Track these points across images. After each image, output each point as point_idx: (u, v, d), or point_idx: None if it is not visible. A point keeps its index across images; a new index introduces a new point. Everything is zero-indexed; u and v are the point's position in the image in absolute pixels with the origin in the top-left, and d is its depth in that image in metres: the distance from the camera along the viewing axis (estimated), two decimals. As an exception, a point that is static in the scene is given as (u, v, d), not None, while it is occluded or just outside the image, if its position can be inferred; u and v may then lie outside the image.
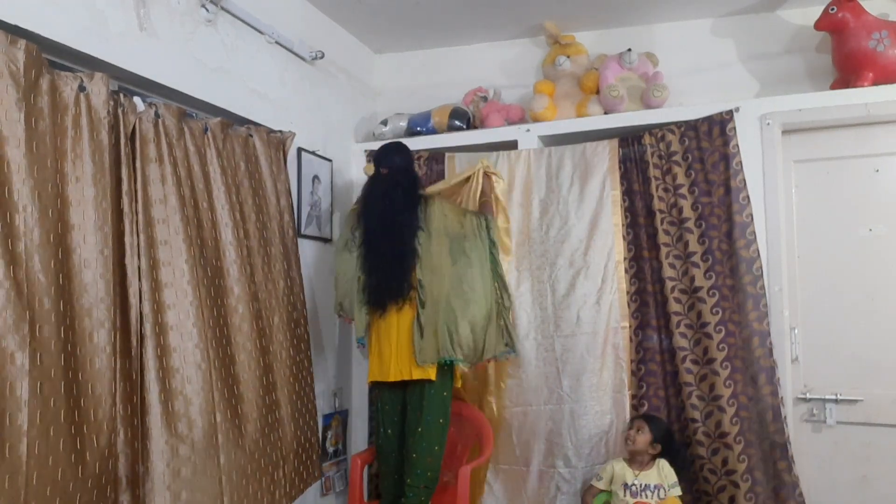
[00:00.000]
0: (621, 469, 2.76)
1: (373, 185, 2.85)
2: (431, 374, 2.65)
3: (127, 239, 2.03)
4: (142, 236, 2.06)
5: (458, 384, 2.89)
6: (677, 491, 2.70)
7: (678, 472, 2.75)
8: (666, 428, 2.82)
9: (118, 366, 1.95)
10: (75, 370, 1.82)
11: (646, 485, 2.71)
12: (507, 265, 3.05)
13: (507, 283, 2.85)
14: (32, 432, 1.66)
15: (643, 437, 2.73)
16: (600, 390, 2.98)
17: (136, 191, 2.07)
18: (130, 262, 2.04)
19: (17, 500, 1.64)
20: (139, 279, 2.05)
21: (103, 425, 1.88)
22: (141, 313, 2.05)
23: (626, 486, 2.73)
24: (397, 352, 2.68)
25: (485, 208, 2.95)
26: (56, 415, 1.73)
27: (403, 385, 2.74)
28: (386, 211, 2.71)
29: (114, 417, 1.92)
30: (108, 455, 1.90)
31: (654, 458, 2.76)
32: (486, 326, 2.70)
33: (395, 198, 2.71)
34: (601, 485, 2.81)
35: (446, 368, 2.71)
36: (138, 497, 2.00)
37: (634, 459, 2.76)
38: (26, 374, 1.66)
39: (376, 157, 2.87)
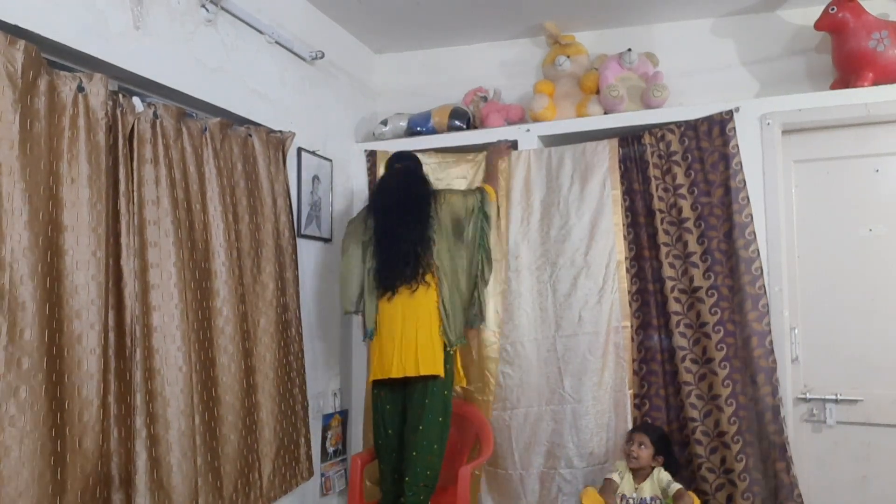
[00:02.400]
0: (628, 478, 2.73)
1: (388, 177, 2.94)
2: (441, 369, 2.66)
3: (123, 240, 2.03)
4: (135, 238, 2.07)
5: (464, 383, 2.90)
6: (676, 486, 2.64)
7: (674, 474, 2.73)
8: (663, 435, 2.80)
9: (113, 367, 1.96)
10: (60, 372, 1.82)
11: (642, 499, 2.69)
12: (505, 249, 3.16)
13: (490, 256, 2.92)
14: (3, 436, 1.66)
15: (646, 452, 2.70)
16: (602, 390, 2.97)
17: (131, 192, 2.07)
18: (126, 264, 2.04)
19: None
20: (134, 280, 2.05)
21: (88, 427, 1.88)
22: (133, 315, 2.06)
23: (623, 497, 2.70)
24: (400, 347, 2.68)
25: (489, 180, 3.08)
26: (35, 418, 1.73)
27: (404, 384, 2.75)
28: (401, 200, 2.79)
29: (101, 419, 1.92)
30: (94, 456, 1.89)
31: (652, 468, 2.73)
32: (469, 298, 2.87)
33: (411, 188, 2.82)
34: (617, 477, 2.73)
35: (448, 367, 2.72)
36: (130, 497, 2.00)
37: (637, 472, 2.74)
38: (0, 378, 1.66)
39: (390, 160, 3.00)
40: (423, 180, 2.90)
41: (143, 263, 2.09)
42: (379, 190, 2.95)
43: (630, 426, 2.92)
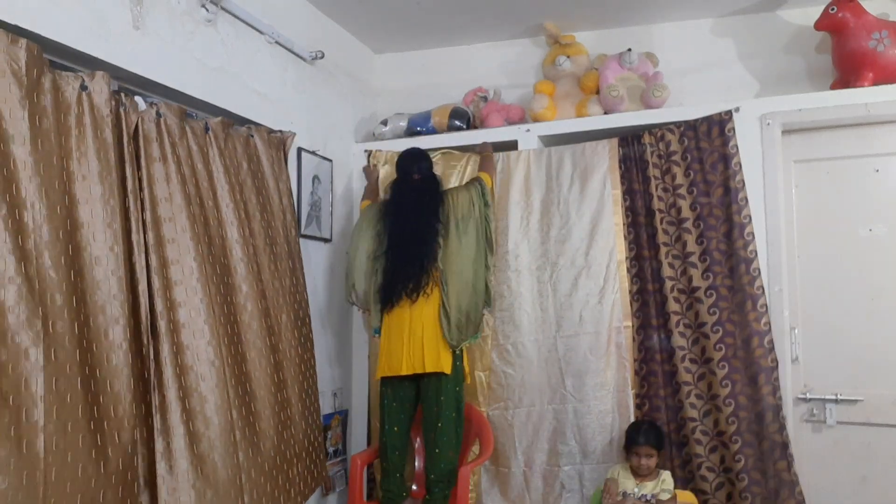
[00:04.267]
0: (626, 477, 2.74)
1: (403, 189, 2.88)
2: (447, 366, 2.67)
3: (133, 237, 2.03)
4: (150, 234, 2.07)
5: (468, 380, 2.90)
6: (666, 496, 2.67)
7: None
8: (661, 434, 2.80)
9: (130, 363, 1.95)
10: (91, 366, 1.82)
11: (643, 494, 2.70)
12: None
13: (493, 244, 2.89)
14: (49, 428, 1.66)
15: (654, 461, 2.71)
16: (604, 389, 2.98)
17: (141, 189, 2.07)
18: (138, 260, 2.03)
19: (37, 495, 1.63)
20: (148, 277, 2.05)
21: (124, 422, 1.88)
22: (152, 311, 2.05)
23: (625, 493, 2.71)
24: (409, 345, 2.69)
25: (484, 164, 3.06)
26: (73, 411, 1.73)
27: (414, 381, 2.76)
28: (416, 216, 2.76)
29: (134, 414, 1.92)
30: (130, 452, 1.90)
31: (657, 468, 2.75)
32: (476, 295, 2.79)
33: (425, 204, 2.78)
34: (616, 474, 2.76)
35: (458, 364, 2.74)
36: (156, 497, 1.99)
37: (639, 472, 2.75)
38: (41, 369, 1.66)
39: (404, 164, 2.92)
40: (437, 189, 2.85)
41: (161, 260, 2.08)
42: (395, 202, 2.87)
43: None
